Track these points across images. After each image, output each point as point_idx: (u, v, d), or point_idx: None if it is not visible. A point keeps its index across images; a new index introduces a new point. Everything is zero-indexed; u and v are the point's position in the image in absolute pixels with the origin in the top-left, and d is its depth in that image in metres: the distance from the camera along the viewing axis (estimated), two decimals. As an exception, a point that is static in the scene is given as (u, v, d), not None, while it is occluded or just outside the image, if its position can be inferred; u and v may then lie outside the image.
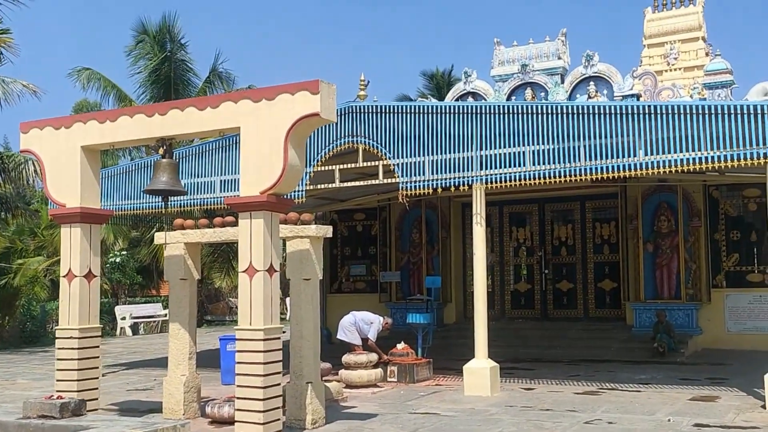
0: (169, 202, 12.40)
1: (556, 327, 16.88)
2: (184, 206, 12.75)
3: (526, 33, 62.09)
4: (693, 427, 7.99)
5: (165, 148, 8.17)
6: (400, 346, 12.27)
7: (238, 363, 7.42)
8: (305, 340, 8.55)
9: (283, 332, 8.05)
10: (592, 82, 17.23)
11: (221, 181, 12.48)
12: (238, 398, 7.38)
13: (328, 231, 8.85)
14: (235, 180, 12.29)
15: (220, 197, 12.40)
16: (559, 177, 10.31)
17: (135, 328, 25.56)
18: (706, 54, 19.21)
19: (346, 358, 11.35)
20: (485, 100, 17.31)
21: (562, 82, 17.80)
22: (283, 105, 7.48)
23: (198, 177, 12.70)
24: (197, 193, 12.76)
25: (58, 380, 8.55)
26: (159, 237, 9.54)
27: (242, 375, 7.36)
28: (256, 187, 7.50)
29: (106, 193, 13.07)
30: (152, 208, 13.09)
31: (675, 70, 19.60)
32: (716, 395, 10.07)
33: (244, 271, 7.50)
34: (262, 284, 7.39)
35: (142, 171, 13.16)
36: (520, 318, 18.04)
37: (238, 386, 7.38)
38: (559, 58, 17.67)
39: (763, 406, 9.02)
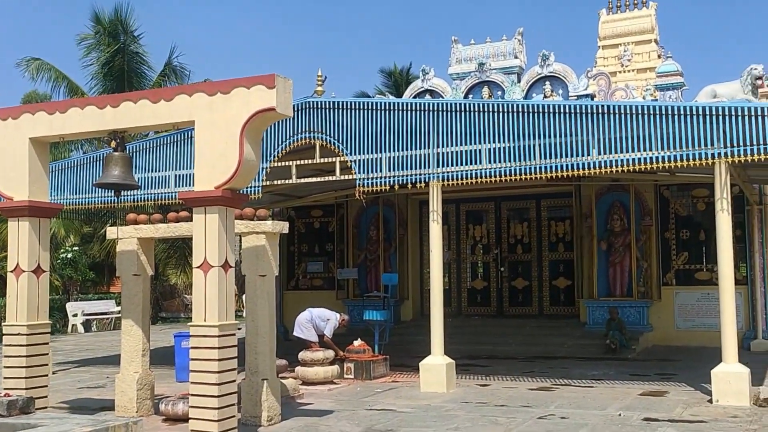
0: (121, 197, 12.32)
1: (511, 324, 17.05)
2: (138, 201, 12.56)
3: (483, 31, 62.55)
4: (642, 422, 8.13)
5: (117, 141, 8.03)
6: (357, 342, 12.27)
7: (192, 360, 7.33)
8: (261, 336, 8.50)
9: (239, 329, 7.98)
10: (548, 82, 17.43)
11: (176, 175, 12.32)
12: (192, 395, 7.29)
13: (284, 227, 8.80)
14: (190, 175, 12.13)
15: (176, 192, 12.24)
16: (515, 175, 10.40)
17: (87, 326, 25.12)
18: (659, 56, 19.59)
19: (303, 354, 11.30)
20: (442, 97, 17.40)
21: (519, 81, 17.97)
22: (238, 99, 7.40)
23: (153, 171, 12.53)
24: (152, 188, 12.59)
25: (5, 378, 8.35)
26: (111, 232, 9.39)
27: (196, 372, 7.28)
28: (211, 182, 7.42)
29: (56, 186, 12.81)
30: (105, 203, 12.87)
31: (628, 71, 19.95)
32: (665, 390, 10.28)
33: (198, 267, 7.41)
34: (216, 280, 7.31)
35: (94, 164, 12.91)
36: (476, 315, 18.18)
37: (192, 383, 7.30)
38: (516, 57, 17.85)
39: (710, 401, 9.23)
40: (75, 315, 24.94)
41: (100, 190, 12.65)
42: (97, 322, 25.56)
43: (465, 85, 17.98)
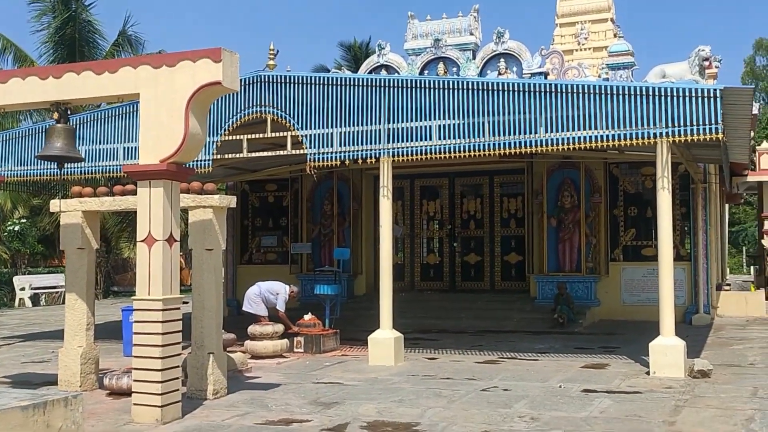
0: (66, 169, 12.14)
1: (463, 299, 17.28)
2: (86, 173, 12.37)
3: (440, 7, 62.35)
4: (581, 393, 8.35)
5: (60, 112, 7.89)
6: (307, 316, 12.32)
7: (136, 334, 7.31)
8: (207, 310, 8.49)
9: (185, 303, 7.97)
10: (502, 59, 17.53)
11: (125, 148, 12.16)
12: (135, 369, 7.28)
13: (231, 201, 8.78)
14: (138, 147, 11.99)
15: (123, 164, 12.09)
16: (464, 152, 10.48)
17: (35, 300, 24.74)
18: (615, 35, 19.78)
19: (252, 328, 11.32)
20: (398, 73, 17.39)
21: (474, 58, 18.04)
22: (184, 72, 7.33)
23: (101, 144, 12.35)
24: (99, 161, 12.41)
25: (-55, 352, 8.23)
26: (54, 204, 9.25)
27: (140, 346, 7.26)
28: (156, 156, 7.36)
29: (0, 157, 12.57)
30: (50, 175, 12.68)
31: (585, 49, 20.16)
32: (606, 363, 10.55)
33: (142, 241, 7.36)
34: (161, 254, 7.28)
35: (40, 136, 12.68)
36: (428, 290, 18.37)
37: (135, 357, 7.28)
38: (471, 34, 17.87)
39: (647, 373, 9.50)
40: (22, 289, 24.55)
41: (46, 162, 12.46)
42: (45, 296, 25.19)
43: (421, 60, 17.98)
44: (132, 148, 12.11)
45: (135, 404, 7.25)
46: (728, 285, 19.10)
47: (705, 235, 15.91)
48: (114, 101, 7.95)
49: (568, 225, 16.49)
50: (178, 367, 7.41)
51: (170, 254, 7.39)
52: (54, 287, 25.58)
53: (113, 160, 12.30)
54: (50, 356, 12.07)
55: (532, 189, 17.00)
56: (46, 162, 12.46)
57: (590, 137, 9.83)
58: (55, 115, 7.91)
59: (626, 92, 9.60)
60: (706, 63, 16.31)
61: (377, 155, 10.91)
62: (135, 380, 7.27)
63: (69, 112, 8.06)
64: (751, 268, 39.39)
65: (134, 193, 8.79)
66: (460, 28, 17.96)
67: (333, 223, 18.38)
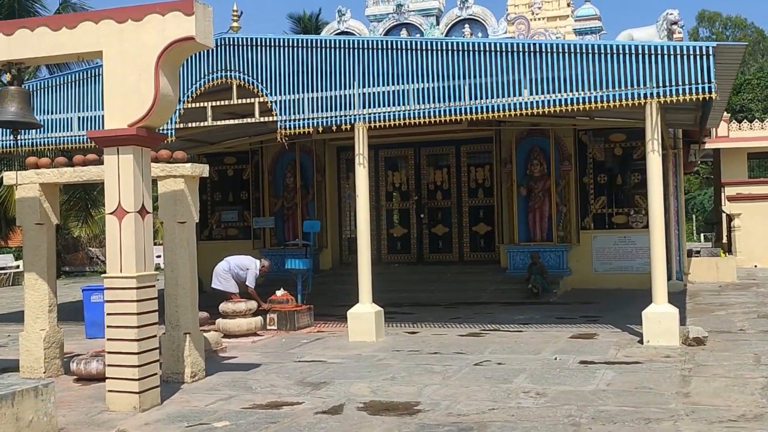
0: (19, 140, 11.32)
1: (432, 271, 16.90)
2: (36, 145, 11.57)
3: None
4: (579, 365, 8.03)
5: (12, 74, 7.14)
6: (280, 292, 11.78)
7: (109, 315, 6.70)
8: (181, 287, 7.90)
9: (157, 280, 7.37)
10: (467, 25, 17.12)
11: (79, 118, 11.39)
12: (109, 353, 6.67)
13: (204, 170, 8.16)
14: (95, 117, 11.28)
15: (79, 136, 11.35)
16: (443, 116, 10.02)
17: (-18, 282, 23.63)
18: (568, 4, 19.51)
19: (224, 306, 10.74)
20: (361, 40, 16.77)
21: (438, 24, 17.57)
22: (152, 27, 6.66)
23: (52, 113, 11.55)
24: (52, 131, 11.64)
25: None
26: (9, 177, 8.51)
27: (113, 327, 6.65)
28: (123, 120, 6.70)
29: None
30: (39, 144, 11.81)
31: (539, 19, 19.78)
32: (594, 333, 10.27)
33: (112, 213, 6.72)
34: (133, 227, 6.66)
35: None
36: (396, 263, 17.93)
37: (108, 340, 6.68)
38: (434, -2, 17.37)
39: (640, 341, 9.25)
40: (-32, 271, 23.40)
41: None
42: (-7, 278, 24.08)
43: (383, 27, 17.45)
44: (87, 117, 11.38)
45: (110, 391, 6.66)
46: (698, 251, 19.13)
47: (676, 201, 15.81)
48: (72, 60, 7.20)
49: (537, 194, 16.22)
50: (155, 349, 6.83)
51: (143, 227, 6.78)
52: (2, 268, 24.47)
53: (67, 130, 11.52)
54: (6, 340, 11.33)
55: (500, 158, 16.66)
56: (-3, 133, 11.66)
57: (576, 99, 9.43)
58: (8, 77, 7.17)
59: (614, 51, 9.22)
60: (674, 27, 16.08)
61: (352, 121, 10.38)
62: (109, 365, 6.67)
63: (23, 74, 7.30)
64: (702, 235, 40.11)
65: (97, 162, 8.15)
66: (424, -8, 17.43)
67: (296, 196, 17.80)
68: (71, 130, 11.51)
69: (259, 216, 17.81)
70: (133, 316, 6.59)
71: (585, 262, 16.21)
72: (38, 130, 11.47)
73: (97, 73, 11.32)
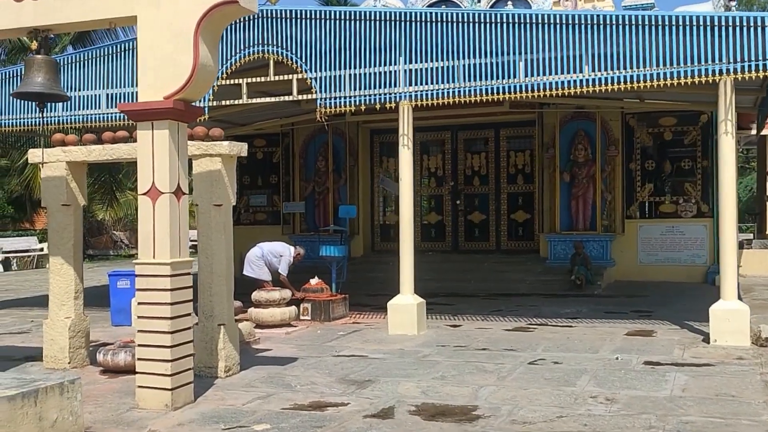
0: (44, 115, 10.82)
1: (468, 260, 16.26)
2: (62, 123, 11.05)
3: None
4: (645, 366, 7.38)
5: (39, 41, 6.59)
6: (314, 281, 11.21)
7: (140, 304, 6.15)
8: (216, 275, 7.34)
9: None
10: (510, 2, 16.28)
11: (108, 95, 10.86)
12: (139, 345, 6.13)
13: (242, 149, 7.58)
14: (125, 93, 10.75)
15: (107, 113, 10.83)
16: (496, 94, 9.36)
17: (7, 264, 23.32)
18: None
19: (257, 295, 10.18)
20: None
21: (479, 1, 16.81)
22: (191, -10, 6.06)
23: (79, 90, 11.02)
24: (78, 109, 11.11)
25: None
26: (34, 154, 7.98)
27: (145, 318, 6.10)
28: (159, 91, 6.12)
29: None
30: (21, 125, 11.32)
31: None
32: (650, 329, 9.60)
33: (145, 194, 6.16)
34: (168, 209, 6.09)
35: (9, 82, 11.31)
36: (430, 251, 17.26)
37: (139, 332, 6.13)
38: (466, -24, 16.62)
39: (705, 340, 8.57)
40: (-7, 253, 23.12)
41: (16, 109, 11.11)
42: (17, 260, 23.76)
43: (421, 4, 16.71)
44: (117, 94, 10.85)
45: (140, 386, 6.12)
46: (749, 243, 18.28)
47: (728, 191, 14.95)
48: (103, 26, 6.62)
49: (581, 180, 15.48)
50: (190, 342, 6.28)
51: (178, 210, 6.21)
52: (26, 251, 24.17)
53: (95, 108, 11.00)
54: (30, 326, 10.87)
55: (542, 142, 15.93)
56: (16, 109, 11.17)
57: (641, 76, 8.71)
58: (34, 45, 6.61)
59: (685, 23, 8.48)
60: (731, 3, 15.23)
61: (396, 99, 9.74)
62: (139, 359, 6.13)
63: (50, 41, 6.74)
64: (738, 226, 38.90)
65: (127, 140, 7.61)
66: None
67: (328, 181, 17.20)
68: (99, 108, 10.99)
69: (289, 200, 17.25)
70: (166, 306, 6.04)
71: (630, 253, 15.50)
72: (64, 106, 11.02)
73: (126, 48, 10.78)
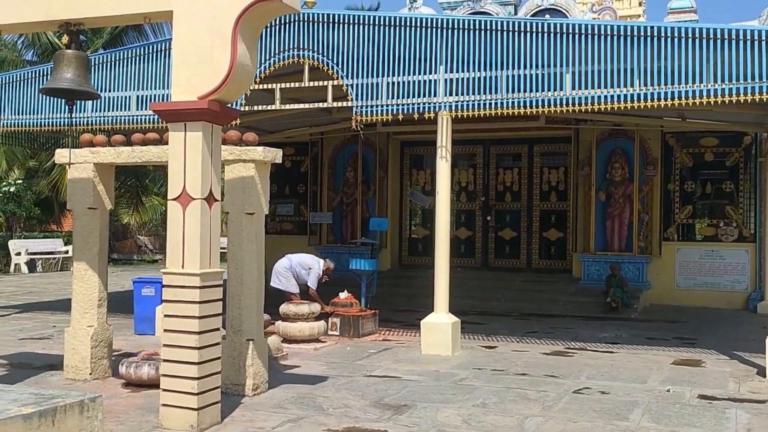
0: (73, 118, 10.59)
1: (498, 277, 15.79)
2: (90, 124, 10.77)
3: None
4: (700, 400, 6.90)
5: (70, 35, 6.28)
6: (343, 295, 10.83)
7: (166, 316, 5.80)
8: (246, 287, 6.97)
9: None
10: (547, 15, 15.91)
11: (138, 96, 10.58)
12: (165, 361, 5.77)
13: (277, 155, 7.23)
14: (156, 96, 10.47)
15: (137, 115, 10.56)
16: (540, 107, 8.94)
17: (32, 266, 23.18)
18: (640, 3, 18.35)
19: (285, 308, 9.80)
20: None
21: (516, 13, 16.46)
22: (231, -15, 5.73)
23: (109, 91, 10.75)
24: (107, 110, 10.84)
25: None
26: (61, 155, 7.68)
27: (171, 332, 5.74)
28: (193, 91, 5.78)
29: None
30: (50, 125, 11.07)
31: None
32: (698, 359, 9.10)
33: (175, 199, 5.82)
34: (199, 216, 5.75)
35: (39, 81, 11.08)
36: (459, 267, 16.71)
37: (165, 346, 5.77)
38: (514, -13, 16.28)
39: (760, 374, 8.07)
40: (18, 254, 22.99)
41: (46, 109, 10.87)
42: (42, 262, 23.62)
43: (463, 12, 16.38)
44: (147, 96, 10.57)
45: (164, 404, 5.74)
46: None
47: (773, 214, 14.40)
48: (137, 21, 6.31)
49: (618, 200, 14.99)
50: (218, 359, 5.91)
51: (210, 216, 5.86)
52: (51, 253, 24.03)
53: (124, 109, 10.73)
54: (51, 332, 10.57)
55: (577, 159, 15.45)
56: (45, 109, 10.93)
57: (697, 92, 8.26)
58: (65, 39, 6.31)
59: (746, 37, 8.03)
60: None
61: (435, 109, 9.36)
62: (164, 375, 5.76)
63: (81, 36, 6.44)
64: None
65: (158, 142, 7.29)
66: (502, -21, 16.34)
67: (356, 192, 16.83)
68: (128, 110, 10.72)
69: (316, 211, 16.90)
70: (194, 320, 5.67)
71: (666, 276, 14.96)
72: (94, 107, 10.77)
73: (158, 49, 10.52)
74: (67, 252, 24.15)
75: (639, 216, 14.83)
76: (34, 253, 23.54)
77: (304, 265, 10.74)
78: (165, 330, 5.78)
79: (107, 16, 6.18)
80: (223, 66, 5.72)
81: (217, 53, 5.73)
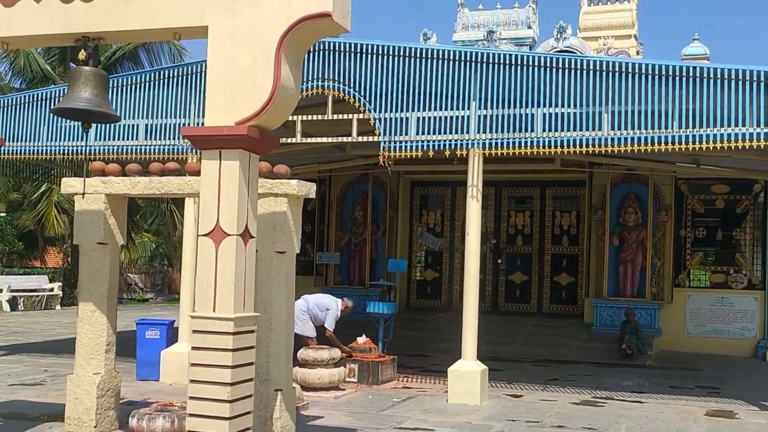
0: (69, 144, 10.04)
1: (508, 322, 15.23)
2: (93, 154, 10.15)
3: None
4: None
5: (88, 51, 5.72)
6: (362, 339, 10.23)
7: (194, 365, 5.18)
8: (275, 333, 6.37)
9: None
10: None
11: (147, 125, 10.04)
12: (191, 415, 5.13)
13: (311, 190, 6.71)
14: (165, 125, 9.93)
15: (145, 145, 10.01)
16: (576, 147, 8.53)
17: (13, 303, 22.24)
18: (637, 52, 18.33)
19: (304, 353, 9.14)
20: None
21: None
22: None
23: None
24: (109, 139, 10.28)
25: None
26: (69, 184, 7.09)
27: (199, 383, 5.12)
28: (230, 116, 5.23)
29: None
30: (48, 153, 10.49)
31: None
32: (729, 410, 8.78)
33: (206, 235, 5.24)
34: (234, 254, 5.17)
35: (26, 107, 10.55)
36: (468, 311, 16.22)
37: (191, 398, 5.14)
38: (529, 27, 16.08)
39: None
40: (0, 291, 22.06)
41: (37, 136, 10.28)
42: (24, 300, 22.68)
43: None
44: (156, 125, 10.04)
45: (190, 465, 5.10)
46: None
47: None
48: (166, 38, 5.77)
49: (630, 245, 14.56)
50: (249, 413, 5.29)
51: (245, 255, 5.28)
52: (35, 290, 23.11)
53: (131, 138, 10.18)
54: (43, 377, 9.81)
55: (590, 203, 15.06)
56: (40, 136, 10.35)
57: (740, 135, 7.90)
58: (82, 55, 5.74)
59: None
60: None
61: (466, 146, 8.90)
62: (190, 431, 5.11)
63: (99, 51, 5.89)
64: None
65: (178, 172, 6.74)
66: (517, 20, 16.15)
67: (365, 232, 16.21)
68: (136, 139, 10.17)
69: (323, 251, 16.29)
70: (227, 369, 5.06)
71: (677, 323, 14.56)
72: (97, 134, 10.22)
73: (164, 76, 10.02)
74: (52, 290, 23.32)
75: (652, 261, 14.42)
76: (17, 291, 22.60)
77: (321, 306, 10.13)
78: (192, 381, 5.16)
79: (132, 31, 5.62)
80: (265, 89, 5.19)
81: (259, 74, 5.20)
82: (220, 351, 5.11)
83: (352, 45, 9.19)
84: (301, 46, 5.46)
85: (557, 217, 15.94)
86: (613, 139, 8.38)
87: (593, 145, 8.45)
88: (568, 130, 8.50)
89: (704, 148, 8.19)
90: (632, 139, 8.30)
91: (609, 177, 14.70)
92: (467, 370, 8.74)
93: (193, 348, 5.22)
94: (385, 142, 9.04)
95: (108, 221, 7.01)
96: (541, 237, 15.97)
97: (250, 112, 5.23)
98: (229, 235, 5.21)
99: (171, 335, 10.39)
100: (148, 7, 5.48)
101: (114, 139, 10.24)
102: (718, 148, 8.13)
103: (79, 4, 5.60)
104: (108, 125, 9.93)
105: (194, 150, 10.05)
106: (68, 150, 10.12)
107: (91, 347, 6.90)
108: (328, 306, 10.06)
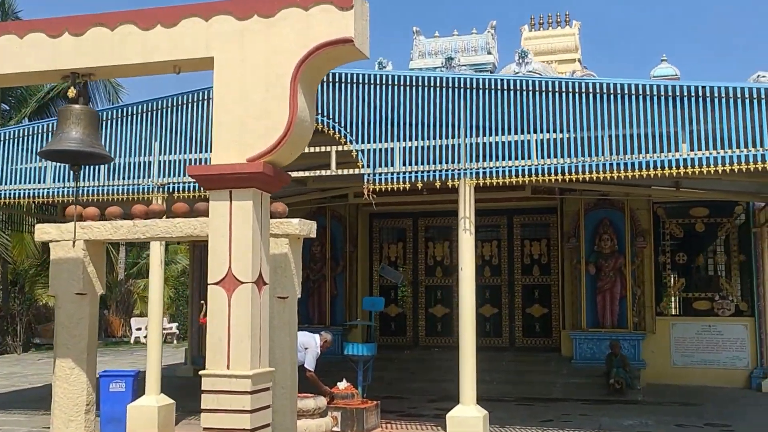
0: (27, 187, 9.34)
1: (482, 358, 14.29)
2: (65, 196, 9.45)
3: (448, 24, 58.27)
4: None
5: (78, 88, 5.16)
6: (342, 384, 9.64)
7: (206, 430, 4.57)
8: (279, 387, 5.77)
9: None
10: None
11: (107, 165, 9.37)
12: (206, 491, 4.52)
13: (312, 229, 6.19)
14: (144, 163, 9.30)
15: (126, 185, 9.35)
16: (574, 174, 8.23)
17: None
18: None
19: (293, 404, 8.52)
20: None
21: (491, 82, 15.99)
22: (289, 26, 4.75)
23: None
24: (66, 181, 9.60)
25: None
26: (44, 231, 6.38)
27: (214, 452, 4.52)
28: (241, 152, 4.70)
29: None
30: (14, 197, 9.72)
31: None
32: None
33: (217, 283, 4.67)
34: (249, 303, 4.61)
35: (17, 143, 9.82)
36: (436, 347, 15.79)
37: (206, 471, 4.53)
38: (489, 53, 15.88)
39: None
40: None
41: (11, 177, 9.55)
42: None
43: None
44: (119, 164, 9.39)
45: None
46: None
47: (771, 287, 13.95)
48: (166, 71, 5.22)
49: (608, 273, 14.26)
50: (271, 484, 4.69)
51: (260, 303, 4.73)
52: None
53: (93, 180, 9.49)
54: (2, 442, 8.93)
55: (561, 231, 14.80)
56: (11, 177, 9.61)
57: (750, 156, 7.70)
58: (71, 92, 5.16)
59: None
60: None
61: (456, 177, 8.52)
62: None
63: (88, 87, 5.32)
64: None
65: (162, 215, 6.13)
66: (476, 45, 15.96)
67: (324, 268, 15.71)
68: (97, 180, 9.50)
69: (281, 289, 15.63)
70: (246, 434, 4.47)
71: (662, 354, 14.19)
72: (55, 176, 9.51)
73: (139, 110, 9.41)
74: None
75: (632, 290, 14.15)
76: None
77: (299, 346, 9.50)
78: (206, 450, 4.55)
79: (128, 65, 5.06)
80: (280, 122, 4.68)
81: (272, 106, 4.69)
82: (237, 413, 4.52)
83: (332, 74, 8.76)
84: (317, 75, 4.98)
85: (526, 246, 15.66)
86: (613, 165, 8.10)
87: (592, 171, 8.17)
88: (565, 156, 8.20)
89: (711, 171, 7.94)
90: (636, 164, 8.04)
91: (582, 203, 14.44)
92: (468, 416, 8.34)
93: (204, 410, 4.62)
94: (369, 175, 8.60)
95: (87, 269, 6.33)
96: (510, 267, 15.66)
97: (263, 147, 4.70)
98: (243, 282, 4.64)
99: (137, 387, 9.67)
100: (146, 41, 4.92)
101: (71, 181, 9.55)
102: (713, 171, 7.93)
103: (69, 39, 5.03)
104: (64, 165, 9.27)
105: (160, 189, 9.50)
106: (28, 194, 9.38)
107: (69, 408, 6.16)
108: (306, 344, 9.42)
